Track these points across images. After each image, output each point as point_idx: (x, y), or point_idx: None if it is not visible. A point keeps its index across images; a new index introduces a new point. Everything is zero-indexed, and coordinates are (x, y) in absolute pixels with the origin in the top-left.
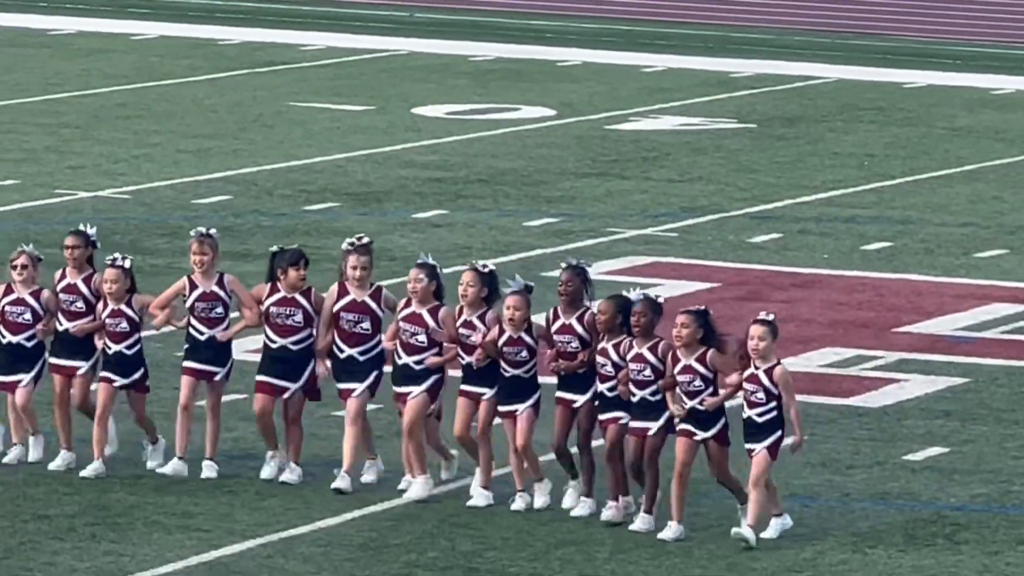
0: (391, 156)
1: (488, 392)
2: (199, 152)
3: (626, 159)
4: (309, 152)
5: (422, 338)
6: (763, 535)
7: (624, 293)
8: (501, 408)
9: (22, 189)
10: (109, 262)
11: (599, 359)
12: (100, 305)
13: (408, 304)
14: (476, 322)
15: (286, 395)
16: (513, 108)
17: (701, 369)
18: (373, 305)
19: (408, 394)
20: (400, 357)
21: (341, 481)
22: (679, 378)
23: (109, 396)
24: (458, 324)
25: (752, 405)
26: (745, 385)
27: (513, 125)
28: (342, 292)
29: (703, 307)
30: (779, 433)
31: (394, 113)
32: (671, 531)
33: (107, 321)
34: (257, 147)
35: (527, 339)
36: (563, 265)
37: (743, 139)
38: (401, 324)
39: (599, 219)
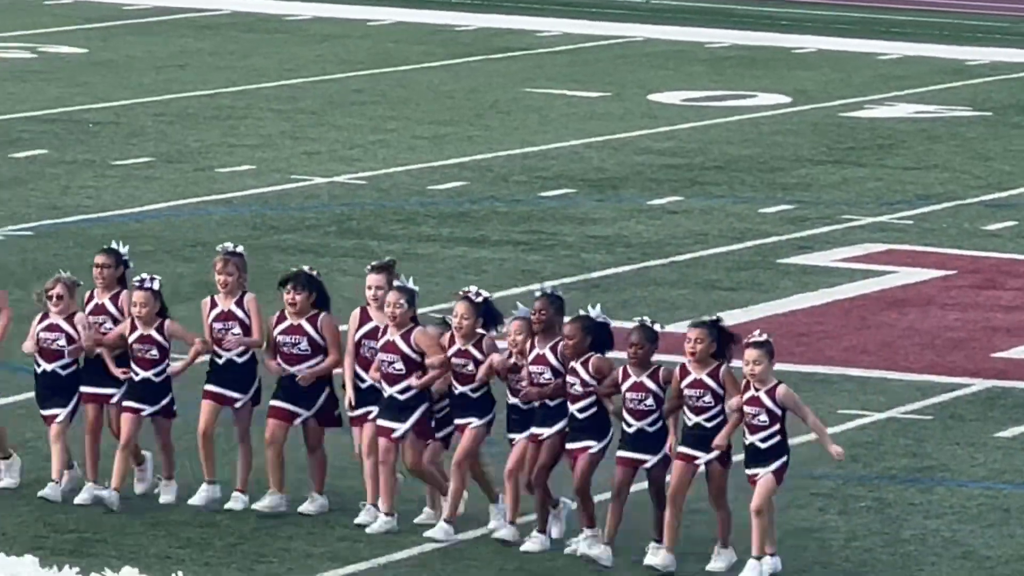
0: (627, 142)
1: (476, 421)
2: (435, 138)
3: (861, 146)
4: (545, 138)
5: (399, 366)
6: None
7: (583, 312)
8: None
9: (258, 175)
10: (137, 283)
11: (568, 378)
12: (127, 328)
13: (384, 331)
14: (472, 350)
15: (297, 421)
16: (749, 95)
17: (712, 384)
18: None
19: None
20: (385, 390)
21: (366, 515)
22: (687, 392)
23: (135, 425)
24: (451, 353)
25: (755, 430)
26: (746, 409)
27: (749, 112)
28: (364, 318)
29: (715, 318)
30: (784, 458)
31: (630, 99)
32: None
33: (135, 347)
34: (493, 133)
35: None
36: (537, 293)
37: (978, 127)
38: (380, 355)
39: (834, 206)
